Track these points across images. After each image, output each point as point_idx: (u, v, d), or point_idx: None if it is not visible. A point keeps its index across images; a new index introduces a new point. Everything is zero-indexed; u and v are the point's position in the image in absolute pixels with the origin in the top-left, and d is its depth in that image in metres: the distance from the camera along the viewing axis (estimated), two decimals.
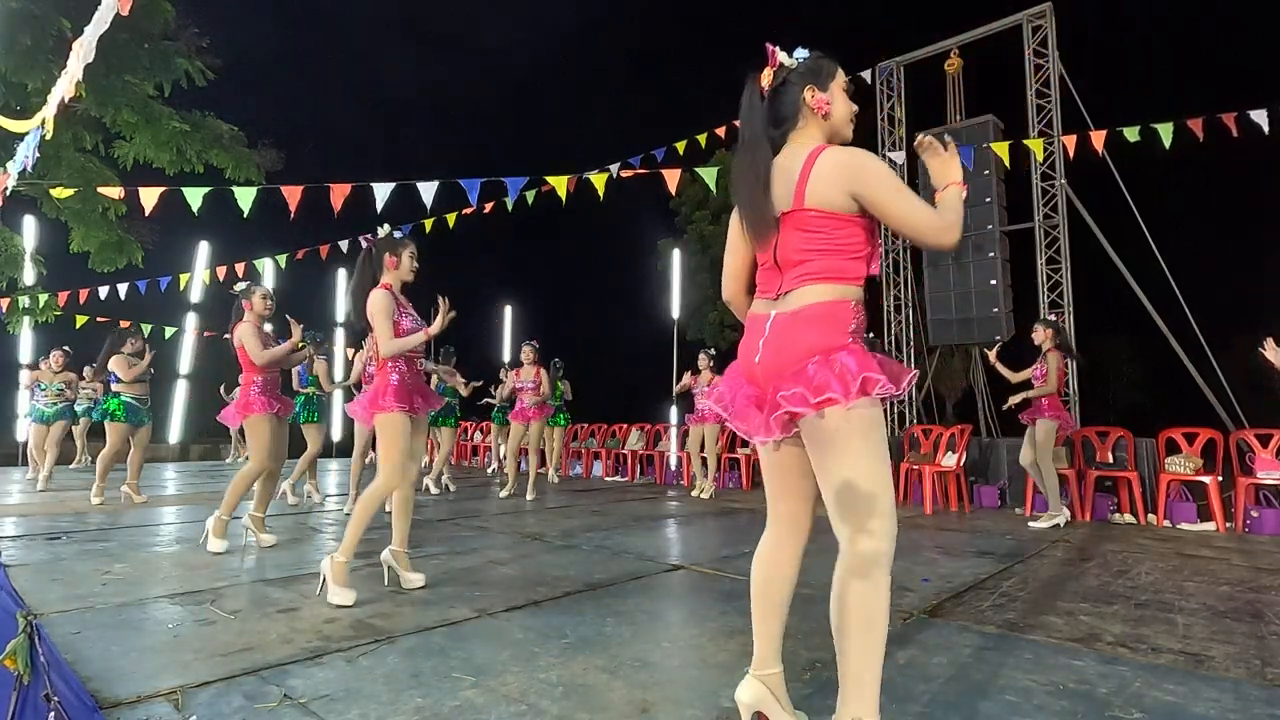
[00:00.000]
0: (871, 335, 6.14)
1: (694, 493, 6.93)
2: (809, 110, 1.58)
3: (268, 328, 4.17)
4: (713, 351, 7.23)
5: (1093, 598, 2.91)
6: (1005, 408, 5.59)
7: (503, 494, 6.63)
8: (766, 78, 1.60)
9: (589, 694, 1.81)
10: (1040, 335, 5.30)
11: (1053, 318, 5.61)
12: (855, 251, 1.49)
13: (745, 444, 8.50)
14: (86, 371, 9.16)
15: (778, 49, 1.61)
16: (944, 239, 1.43)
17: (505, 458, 7.04)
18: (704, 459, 7.08)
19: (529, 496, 6.54)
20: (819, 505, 1.58)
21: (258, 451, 3.90)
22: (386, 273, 3.02)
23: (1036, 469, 5.25)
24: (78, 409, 9.43)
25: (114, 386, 5.90)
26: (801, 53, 1.60)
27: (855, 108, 1.63)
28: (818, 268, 1.50)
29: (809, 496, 1.61)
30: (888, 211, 1.43)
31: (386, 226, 3.07)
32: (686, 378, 7.42)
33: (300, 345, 4.05)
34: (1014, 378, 5.41)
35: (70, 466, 10.03)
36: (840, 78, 1.60)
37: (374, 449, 4.29)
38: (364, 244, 3.08)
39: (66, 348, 7.61)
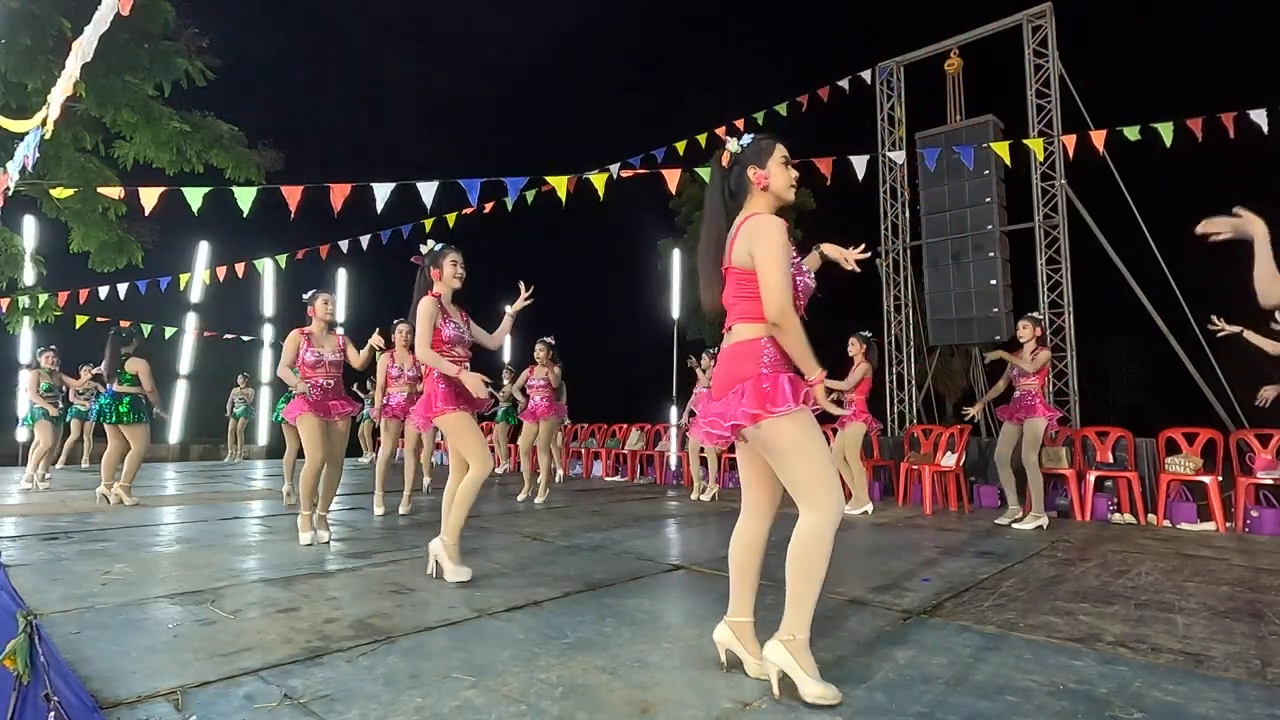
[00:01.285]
0: (869, 334, 6.11)
1: (694, 495, 6.89)
2: (752, 184, 1.96)
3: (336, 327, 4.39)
4: (714, 351, 7.16)
5: (1093, 598, 2.91)
6: (968, 417, 5.58)
7: (519, 498, 6.44)
8: (725, 159, 2.00)
9: (589, 694, 1.81)
10: (1029, 332, 5.26)
11: (1038, 315, 5.58)
12: None
13: None
14: (82, 372, 9.13)
15: (729, 138, 2.02)
16: (773, 312, 1.80)
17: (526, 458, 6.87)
18: (704, 460, 7.06)
19: (537, 500, 6.29)
20: (785, 494, 1.94)
21: (305, 449, 4.06)
22: (435, 284, 3.22)
23: (1032, 467, 5.22)
24: (77, 409, 9.43)
25: (121, 388, 5.73)
26: (746, 139, 1.99)
27: (795, 174, 1.99)
28: (741, 310, 1.92)
29: (770, 485, 1.98)
30: (759, 270, 1.82)
31: (431, 243, 3.27)
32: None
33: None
34: (989, 355, 5.38)
35: (82, 467, 10.04)
36: (778, 153, 1.97)
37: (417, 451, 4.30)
38: (415, 263, 3.30)
39: (54, 346, 7.56)
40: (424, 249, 3.26)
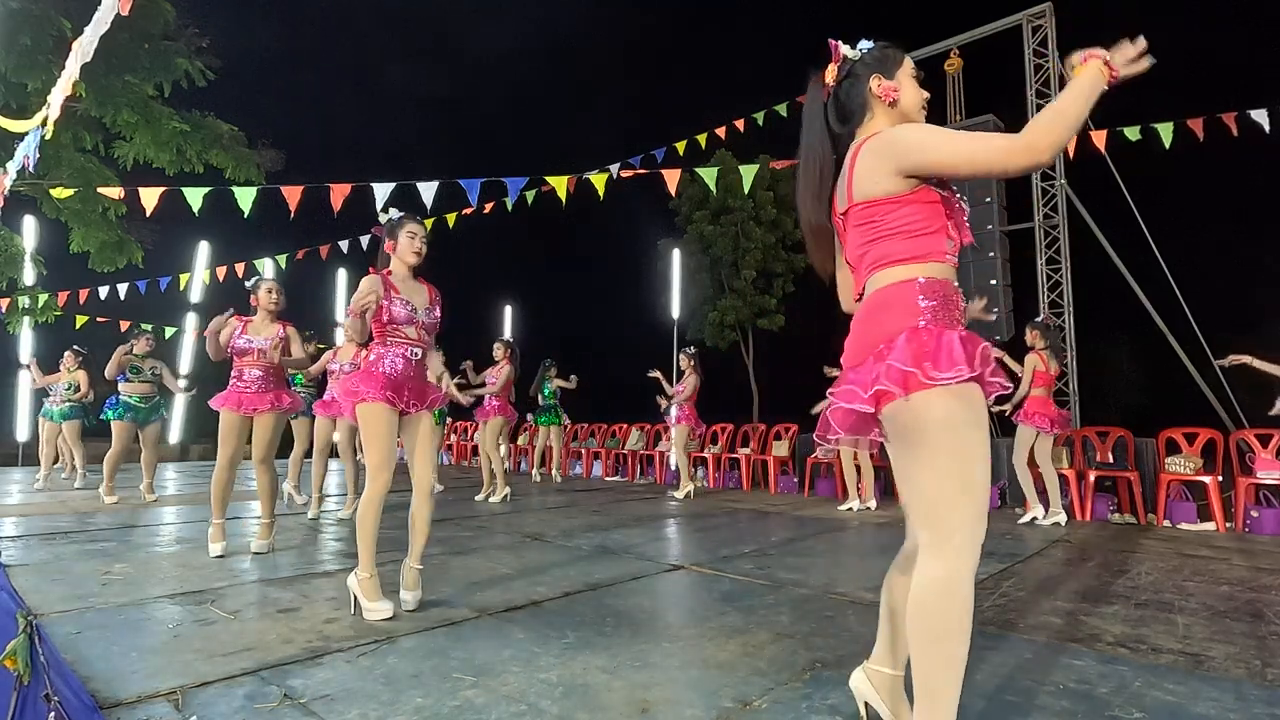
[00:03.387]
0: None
1: (673, 493, 6.91)
2: (876, 99, 1.51)
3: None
4: (690, 350, 7.17)
5: (1093, 598, 2.91)
6: (1004, 413, 5.61)
7: (477, 498, 6.45)
8: (831, 74, 1.56)
9: (589, 694, 1.80)
10: (1029, 337, 5.34)
11: (1039, 319, 5.62)
12: (917, 230, 1.39)
13: (745, 444, 8.49)
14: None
15: (840, 43, 1.55)
16: (1011, 162, 1.27)
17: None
18: (698, 459, 7.12)
19: (493, 499, 6.28)
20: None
21: (219, 444, 3.84)
22: (391, 259, 2.76)
23: (1045, 467, 5.28)
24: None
25: (120, 385, 6.00)
26: (865, 44, 1.55)
27: (926, 94, 1.56)
28: (879, 253, 1.42)
29: None
30: (944, 163, 1.33)
31: (392, 211, 2.80)
32: (663, 383, 7.34)
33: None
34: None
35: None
36: (908, 65, 1.53)
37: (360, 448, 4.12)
38: (376, 234, 2.92)
39: (76, 347, 7.63)
40: (383, 219, 2.79)
